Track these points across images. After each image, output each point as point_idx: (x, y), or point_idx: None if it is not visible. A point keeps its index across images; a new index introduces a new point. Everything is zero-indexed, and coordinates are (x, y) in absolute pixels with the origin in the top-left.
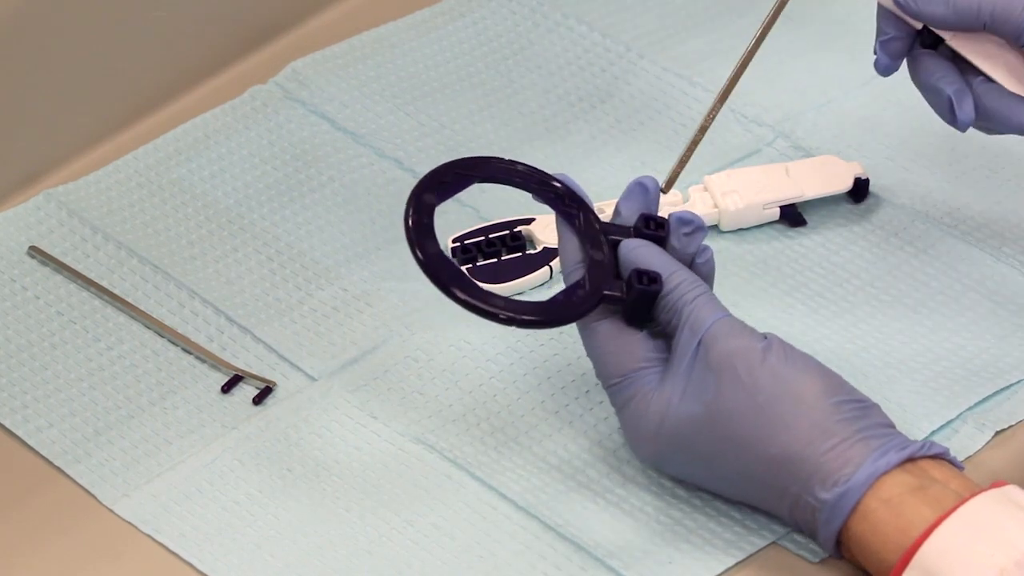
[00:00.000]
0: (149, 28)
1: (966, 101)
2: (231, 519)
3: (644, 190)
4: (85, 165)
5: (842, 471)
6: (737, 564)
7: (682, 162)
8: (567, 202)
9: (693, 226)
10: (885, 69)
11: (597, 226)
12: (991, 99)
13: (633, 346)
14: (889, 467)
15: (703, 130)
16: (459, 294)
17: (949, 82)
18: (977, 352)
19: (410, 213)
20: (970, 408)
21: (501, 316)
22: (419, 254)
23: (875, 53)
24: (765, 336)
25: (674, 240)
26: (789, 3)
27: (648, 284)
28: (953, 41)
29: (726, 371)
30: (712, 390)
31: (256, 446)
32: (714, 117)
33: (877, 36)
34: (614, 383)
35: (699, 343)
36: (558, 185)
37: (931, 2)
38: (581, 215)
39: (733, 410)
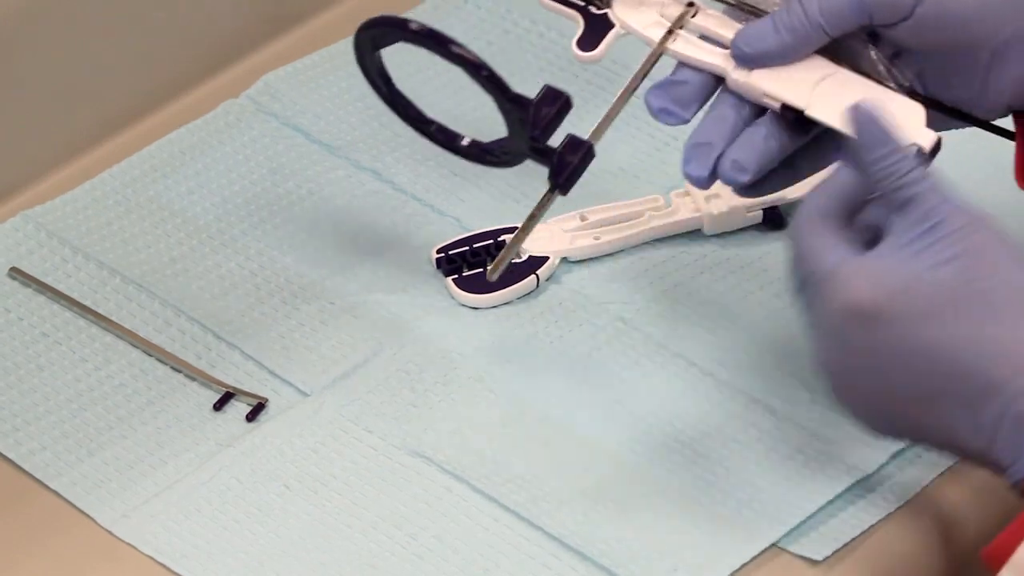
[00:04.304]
0: (119, 45)
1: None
2: (232, 538)
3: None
4: (58, 183)
5: None
6: (743, 566)
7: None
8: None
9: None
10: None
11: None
12: None
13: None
14: None
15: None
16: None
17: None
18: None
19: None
20: None
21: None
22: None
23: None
24: None
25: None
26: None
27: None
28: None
29: (977, 232)
30: (962, 249)
31: (252, 463)
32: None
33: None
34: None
35: (935, 216)
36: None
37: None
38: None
39: (994, 261)
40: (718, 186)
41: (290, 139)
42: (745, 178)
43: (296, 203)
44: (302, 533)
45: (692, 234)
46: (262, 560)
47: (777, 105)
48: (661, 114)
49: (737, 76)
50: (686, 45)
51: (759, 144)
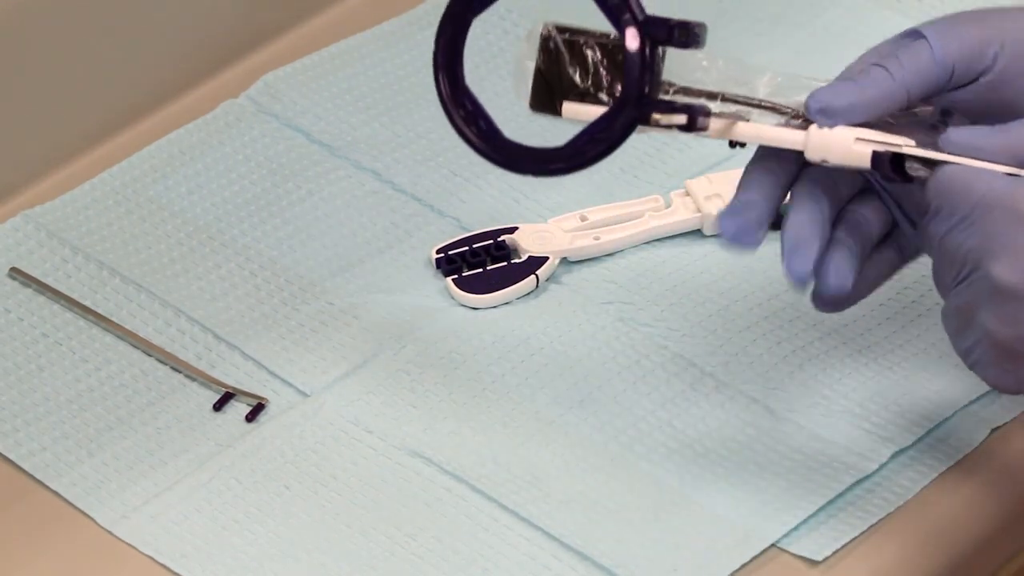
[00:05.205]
0: (119, 45)
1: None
2: (231, 538)
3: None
4: (58, 183)
5: None
6: (743, 566)
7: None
8: None
9: None
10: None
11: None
12: None
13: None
14: None
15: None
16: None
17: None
18: None
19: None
20: (964, 407)
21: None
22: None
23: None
24: None
25: None
26: (767, 7)
27: None
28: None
29: None
30: None
31: (252, 464)
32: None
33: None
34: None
35: None
36: None
37: None
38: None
39: None
40: (718, 186)
41: (290, 140)
42: (849, 282)
43: (296, 203)
44: (302, 533)
45: (692, 234)
46: (262, 560)
47: (868, 154)
48: (734, 240)
49: (816, 138)
50: (756, 126)
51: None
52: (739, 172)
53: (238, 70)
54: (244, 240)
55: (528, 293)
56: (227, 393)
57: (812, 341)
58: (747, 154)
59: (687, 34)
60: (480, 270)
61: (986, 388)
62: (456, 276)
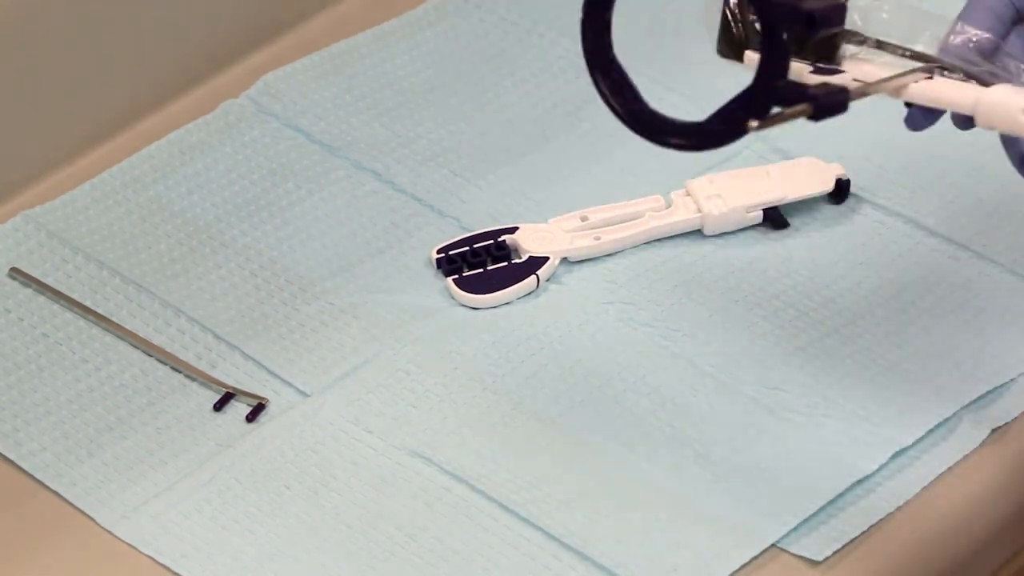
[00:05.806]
0: (119, 45)
1: None
2: (231, 538)
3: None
4: (58, 183)
5: None
6: (743, 567)
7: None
8: None
9: None
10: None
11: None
12: None
13: None
14: None
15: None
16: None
17: None
18: (968, 352)
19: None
20: (965, 407)
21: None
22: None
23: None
24: None
25: None
26: None
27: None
28: None
29: None
30: None
31: (252, 464)
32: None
33: None
34: None
35: None
36: None
37: None
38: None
39: None
40: (719, 186)
41: (290, 140)
42: None
43: (296, 203)
44: (302, 533)
45: (692, 234)
46: (262, 560)
47: None
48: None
49: (986, 105)
50: (924, 89)
51: None
52: (740, 172)
53: (238, 70)
54: (244, 240)
55: (528, 293)
56: (227, 393)
57: (812, 341)
58: (746, 157)
59: (815, 20)
60: (480, 270)
61: (986, 388)
62: (456, 276)
